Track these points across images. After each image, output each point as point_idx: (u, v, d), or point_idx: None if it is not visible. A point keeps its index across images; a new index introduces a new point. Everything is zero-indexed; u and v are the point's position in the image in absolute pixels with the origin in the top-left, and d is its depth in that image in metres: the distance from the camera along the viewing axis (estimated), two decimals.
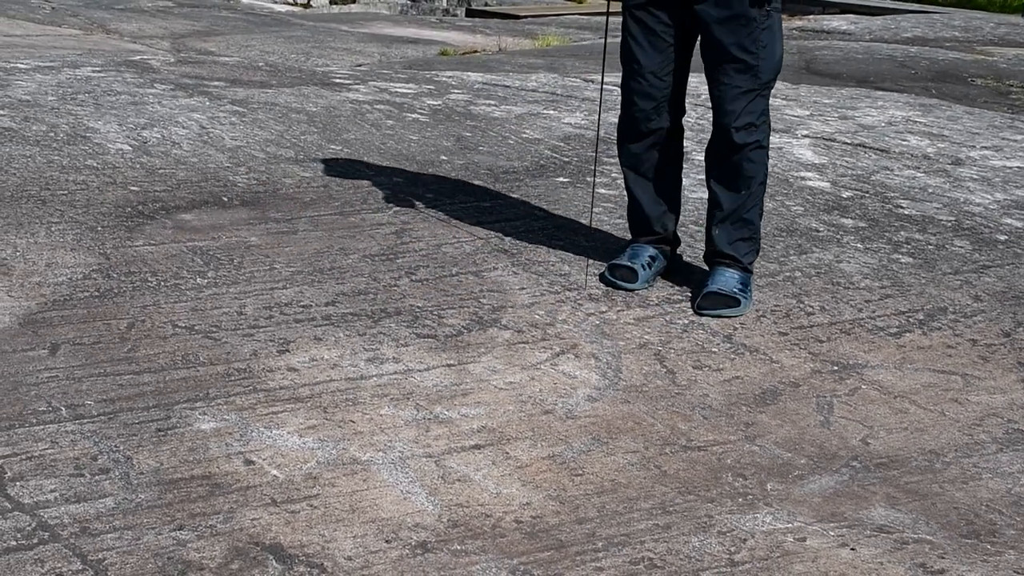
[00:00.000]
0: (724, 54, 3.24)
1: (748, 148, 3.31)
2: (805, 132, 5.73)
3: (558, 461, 2.46)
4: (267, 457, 2.37)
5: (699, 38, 3.33)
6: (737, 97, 3.28)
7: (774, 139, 5.53)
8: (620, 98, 3.47)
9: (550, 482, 2.37)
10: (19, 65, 6.01)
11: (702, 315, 3.29)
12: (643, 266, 3.44)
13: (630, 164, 3.50)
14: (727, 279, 3.35)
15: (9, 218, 3.59)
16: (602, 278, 3.47)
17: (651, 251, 3.50)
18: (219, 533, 2.10)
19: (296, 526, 2.14)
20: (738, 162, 3.32)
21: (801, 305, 3.44)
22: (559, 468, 2.43)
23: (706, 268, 3.46)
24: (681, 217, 3.71)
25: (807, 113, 6.22)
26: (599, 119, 4.09)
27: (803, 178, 4.86)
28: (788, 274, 3.68)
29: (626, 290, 3.41)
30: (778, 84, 7.05)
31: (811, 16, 13.40)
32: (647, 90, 3.37)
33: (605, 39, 3.49)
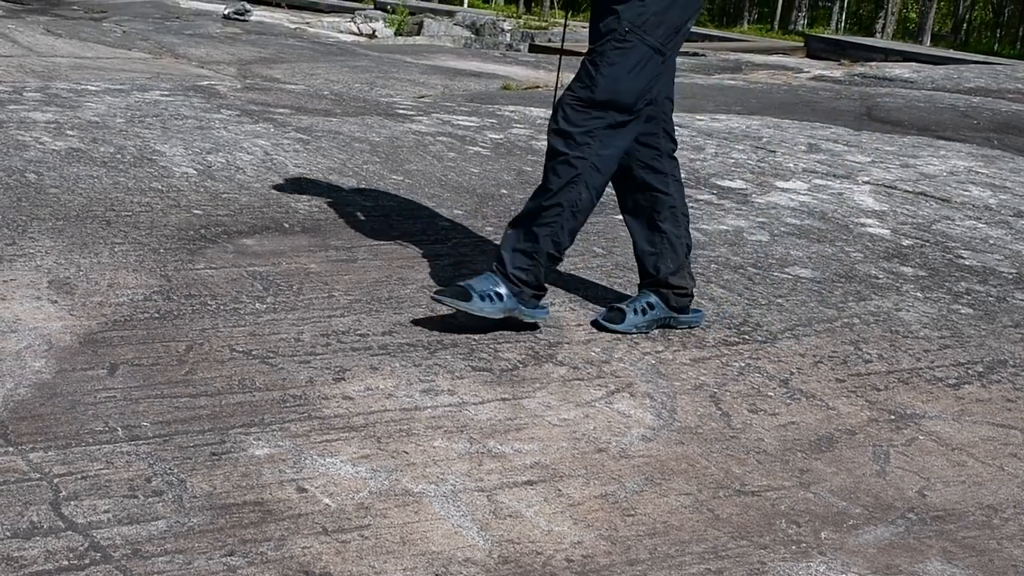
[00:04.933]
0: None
1: (556, 157, 3.18)
2: (866, 179, 5.69)
3: (610, 500, 2.44)
4: (320, 485, 2.38)
5: None
6: (567, 101, 3.19)
7: (834, 184, 5.54)
8: None
9: (602, 521, 2.35)
10: (89, 87, 6.12)
11: (433, 298, 3.23)
12: (635, 310, 3.36)
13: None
14: (486, 280, 3.23)
15: (74, 237, 3.65)
16: (594, 323, 3.40)
17: (651, 298, 3.39)
18: (269, 560, 2.10)
19: (347, 556, 2.14)
20: (548, 167, 3.22)
21: (859, 352, 3.40)
22: (611, 507, 2.41)
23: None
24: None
25: (868, 160, 6.18)
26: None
27: (863, 224, 4.82)
28: (846, 320, 3.65)
29: (609, 330, 3.34)
30: (839, 130, 7.08)
31: (873, 63, 13.34)
32: None
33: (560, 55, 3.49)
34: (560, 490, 2.46)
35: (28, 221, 3.73)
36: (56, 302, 3.14)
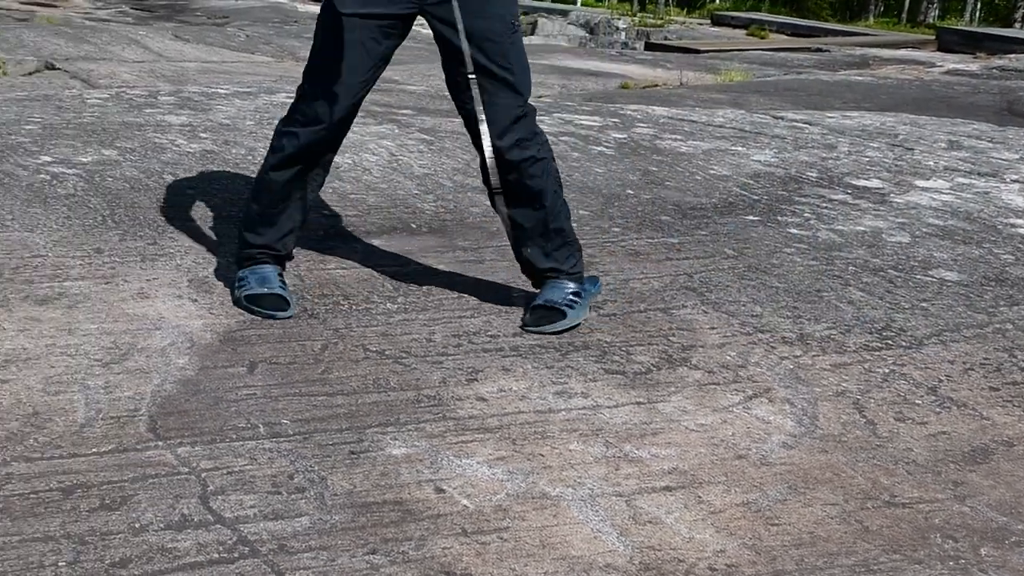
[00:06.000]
0: None
1: (524, 163, 3.12)
2: (1015, 177, 5.50)
3: (753, 508, 2.38)
4: (457, 486, 2.36)
5: None
6: (516, 115, 3.12)
7: (979, 182, 5.36)
8: None
9: (745, 530, 2.30)
10: (219, 90, 6.24)
11: (528, 331, 3.16)
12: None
13: None
14: (555, 290, 3.20)
15: (210, 238, 3.71)
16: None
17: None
18: (411, 560, 2.09)
19: (487, 558, 2.12)
20: (522, 175, 3.14)
21: (1013, 360, 3.27)
22: (754, 516, 2.35)
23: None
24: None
25: (1016, 156, 5.97)
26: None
27: (1013, 225, 4.65)
28: (998, 326, 3.51)
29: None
30: (981, 126, 6.87)
31: (1012, 56, 12.94)
32: None
33: None
34: (700, 497, 2.41)
35: (168, 221, 3.80)
36: (196, 300, 3.20)
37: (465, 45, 3.00)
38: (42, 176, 4.08)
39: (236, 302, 3.19)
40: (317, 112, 3.10)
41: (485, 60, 3.02)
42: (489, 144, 3.07)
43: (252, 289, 3.18)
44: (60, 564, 1.96)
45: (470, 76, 3.02)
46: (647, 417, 2.75)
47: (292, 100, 3.21)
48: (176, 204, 3.98)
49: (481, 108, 3.04)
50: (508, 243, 3.92)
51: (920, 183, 5.30)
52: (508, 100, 3.07)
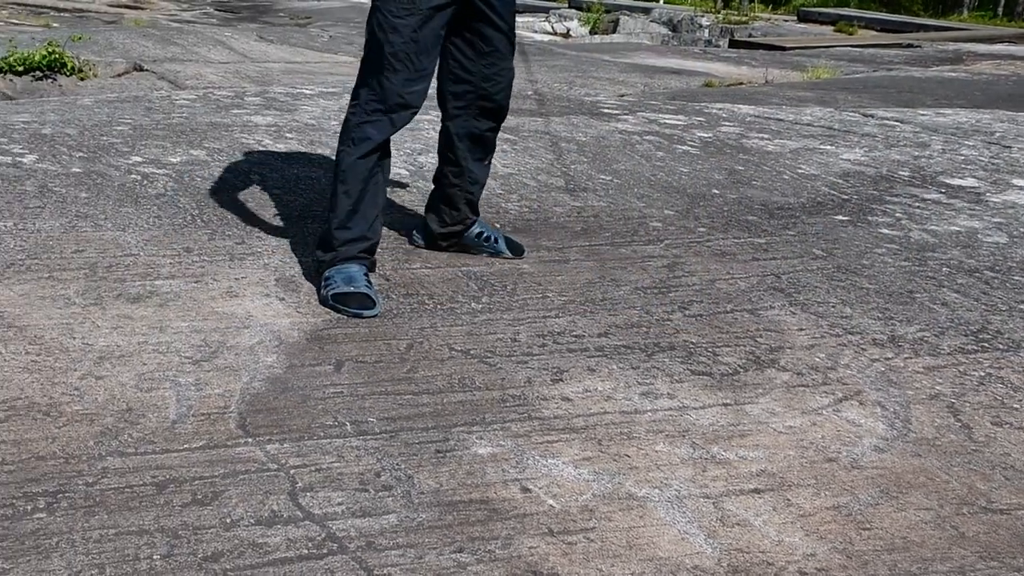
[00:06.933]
0: None
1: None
2: None
3: (843, 512, 2.34)
4: (543, 486, 2.36)
5: None
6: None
7: None
8: None
9: (835, 534, 2.26)
10: (304, 91, 6.30)
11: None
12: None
13: None
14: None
15: (298, 237, 3.74)
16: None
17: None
18: (498, 559, 2.09)
19: (573, 558, 2.11)
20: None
21: None
22: (845, 520, 2.31)
23: None
24: None
25: None
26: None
27: None
28: None
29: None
30: None
31: None
32: None
33: None
34: (789, 500, 2.37)
35: (255, 221, 3.84)
36: (283, 299, 3.23)
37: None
38: (133, 176, 4.16)
39: (323, 301, 3.22)
40: (406, 99, 3.27)
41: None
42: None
43: (339, 288, 3.21)
44: (155, 557, 2.00)
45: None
46: (734, 419, 2.72)
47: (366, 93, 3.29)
48: (263, 204, 4.02)
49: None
50: (592, 242, 3.91)
51: (1018, 182, 5.17)
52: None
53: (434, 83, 3.41)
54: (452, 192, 3.63)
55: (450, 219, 3.67)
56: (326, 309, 3.18)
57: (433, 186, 3.72)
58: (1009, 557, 2.21)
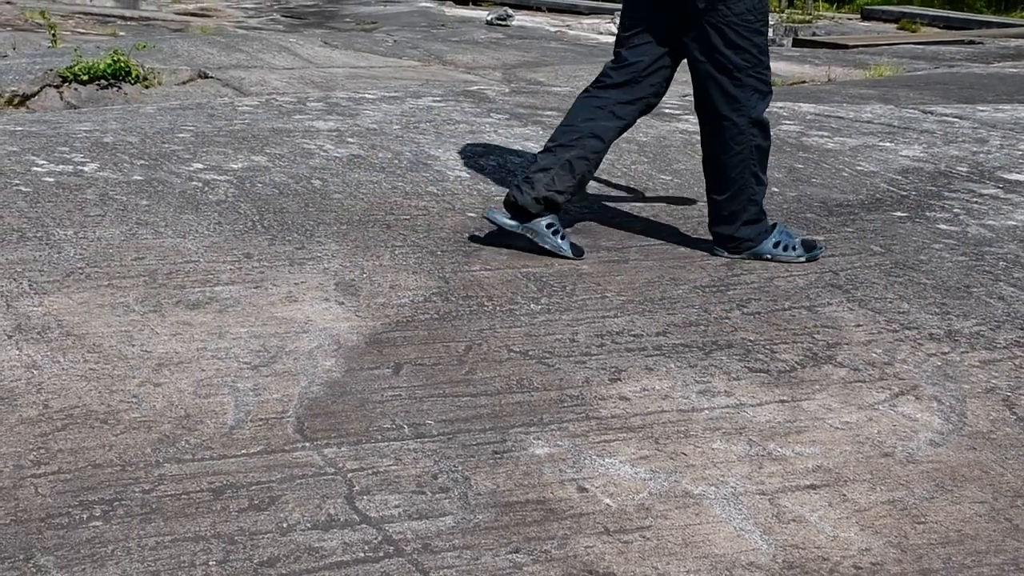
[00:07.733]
0: None
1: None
2: None
3: (899, 507, 2.34)
4: (600, 485, 2.38)
5: None
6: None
7: None
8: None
9: (890, 528, 2.26)
10: (366, 95, 6.37)
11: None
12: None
13: None
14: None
15: (357, 241, 3.80)
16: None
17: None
18: (554, 559, 2.12)
19: (629, 557, 2.14)
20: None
21: None
22: (900, 514, 2.32)
23: None
24: None
25: None
26: None
27: None
28: None
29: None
30: None
31: None
32: None
33: None
34: (845, 495, 2.38)
35: (315, 226, 3.91)
36: (343, 304, 3.28)
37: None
38: (194, 183, 4.24)
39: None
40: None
41: None
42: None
43: (794, 239, 3.85)
44: (210, 563, 2.04)
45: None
46: (791, 415, 2.73)
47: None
48: (323, 209, 4.09)
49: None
50: (651, 242, 3.93)
51: None
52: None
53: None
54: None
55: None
56: (385, 313, 3.23)
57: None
58: None
